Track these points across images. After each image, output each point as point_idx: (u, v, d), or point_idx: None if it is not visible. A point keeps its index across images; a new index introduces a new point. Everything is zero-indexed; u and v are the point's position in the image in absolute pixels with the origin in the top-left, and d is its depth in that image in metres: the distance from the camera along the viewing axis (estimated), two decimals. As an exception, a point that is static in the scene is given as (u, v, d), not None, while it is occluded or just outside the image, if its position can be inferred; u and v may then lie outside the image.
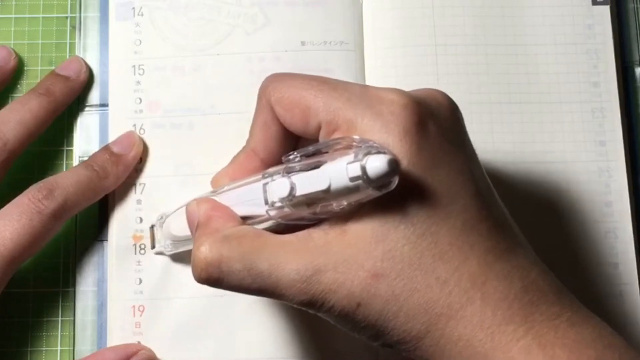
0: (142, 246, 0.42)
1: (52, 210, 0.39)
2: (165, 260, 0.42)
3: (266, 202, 0.31)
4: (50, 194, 0.39)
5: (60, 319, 0.43)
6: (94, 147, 0.43)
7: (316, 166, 0.29)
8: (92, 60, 0.45)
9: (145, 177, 0.43)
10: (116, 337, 0.41)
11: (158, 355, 0.41)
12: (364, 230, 0.29)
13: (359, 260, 0.29)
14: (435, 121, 0.31)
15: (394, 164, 0.27)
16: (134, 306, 0.42)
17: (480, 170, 0.32)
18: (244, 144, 0.43)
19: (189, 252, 0.33)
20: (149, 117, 0.44)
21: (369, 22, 0.45)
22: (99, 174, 0.41)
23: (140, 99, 0.44)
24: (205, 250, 0.31)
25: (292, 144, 0.35)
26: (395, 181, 0.28)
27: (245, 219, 0.33)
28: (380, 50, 0.44)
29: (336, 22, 0.45)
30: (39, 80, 0.44)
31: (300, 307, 0.31)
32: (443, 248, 0.29)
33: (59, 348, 0.42)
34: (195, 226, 0.33)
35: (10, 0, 0.46)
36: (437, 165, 0.30)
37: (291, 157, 0.31)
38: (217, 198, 0.35)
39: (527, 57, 0.45)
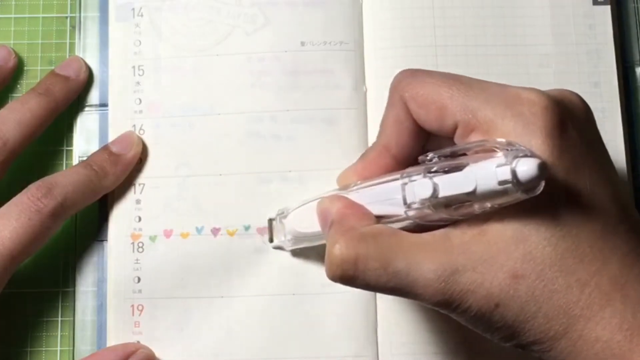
0: (140, 244, 0.42)
1: (51, 209, 0.39)
2: (165, 258, 0.42)
3: (405, 202, 0.30)
4: (49, 193, 0.39)
5: (60, 319, 0.43)
6: (94, 147, 0.43)
7: (457, 168, 0.29)
8: (92, 60, 0.45)
9: (144, 177, 0.43)
10: (116, 337, 0.41)
11: (157, 354, 0.41)
12: (504, 231, 0.29)
13: (499, 260, 0.29)
14: (574, 123, 0.30)
15: (543, 168, 0.27)
16: (132, 305, 0.42)
17: (615, 172, 0.32)
18: (243, 143, 0.43)
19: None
20: (149, 117, 0.44)
21: (369, 22, 0.45)
22: (98, 174, 0.41)
23: (140, 100, 0.44)
24: (340, 248, 0.31)
25: (424, 140, 0.34)
26: (542, 185, 0.28)
27: (379, 217, 0.33)
28: (380, 50, 0.44)
29: (336, 22, 0.45)
30: (38, 80, 0.44)
31: (435, 307, 0.30)
32: (584, 250, 0.29)
33: (58, 348, 0.42)
34: (329, 224, 0.33)
35: (10, 0, 0.46)
36: (577, 168, 0.30)
37: (429, 157, 0.30)
38: (349, 196, 0.34)
39: (527, 57, 0.45)
